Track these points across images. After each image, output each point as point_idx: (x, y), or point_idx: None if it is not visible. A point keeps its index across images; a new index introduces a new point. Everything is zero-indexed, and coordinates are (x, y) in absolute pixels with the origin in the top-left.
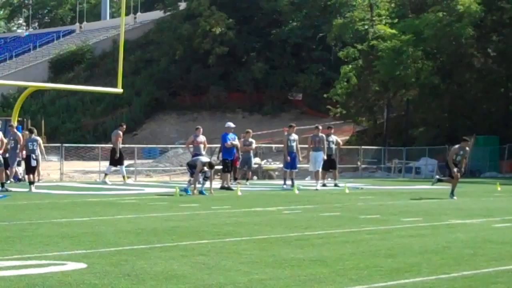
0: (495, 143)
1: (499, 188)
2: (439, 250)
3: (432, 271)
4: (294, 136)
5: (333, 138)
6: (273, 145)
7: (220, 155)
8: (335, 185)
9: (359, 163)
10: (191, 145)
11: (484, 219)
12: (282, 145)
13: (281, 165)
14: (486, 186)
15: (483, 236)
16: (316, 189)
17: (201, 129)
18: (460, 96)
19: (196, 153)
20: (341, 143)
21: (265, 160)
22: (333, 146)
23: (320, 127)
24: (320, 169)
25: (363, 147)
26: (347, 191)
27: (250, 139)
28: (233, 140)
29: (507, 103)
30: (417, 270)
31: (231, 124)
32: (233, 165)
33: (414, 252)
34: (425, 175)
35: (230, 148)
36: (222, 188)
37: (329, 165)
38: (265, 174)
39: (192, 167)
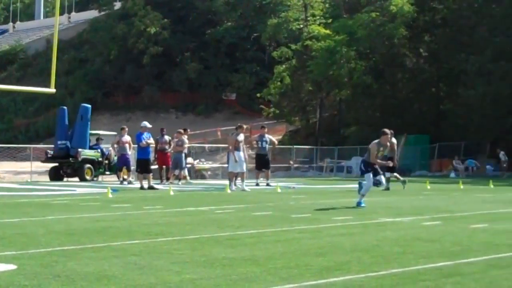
0: (426, 142)
1: (428, 187)
2: (369, 248)
3: (361, 269)
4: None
5: (267, 137)
6: (206, 145)
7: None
8: (267, 184)
9: (291, 162)
10: (116, 145)
11: (414, 217)
12: (214, 145)
13: (214, 165)
14: (416, 184)
15: (412, 234)
16: (243, 190)
17: (127, 129)
18: (392, 96)
19: (122, 153)
20: (276, 142)
21: (197, 160)
22: (267, 146)
23: (244, 127)
24: (245, 170)
25: (295, 146)
26: (279, 190)
27: (184, 139)
28: (148, 139)
29: (438, 102)
30: (347, 269)
31: (147, 124)
32: (148, 164)
33: (344, 250)
34: (356, 174)
35: (145, 147)
36: (149, 188)
37: (263, 165)
38: (197, 174)
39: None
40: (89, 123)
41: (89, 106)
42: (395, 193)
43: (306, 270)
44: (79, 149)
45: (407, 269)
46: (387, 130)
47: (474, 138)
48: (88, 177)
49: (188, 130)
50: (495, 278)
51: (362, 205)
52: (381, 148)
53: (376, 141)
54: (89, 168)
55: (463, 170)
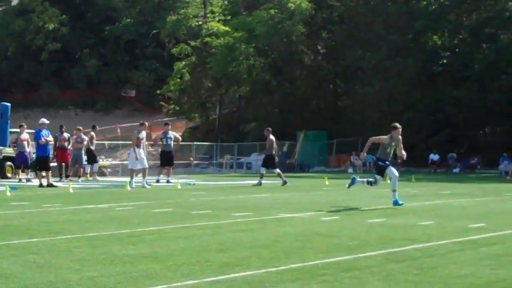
0: (324, 139)
1: (327, 182)
2: (269, 244)
3: (261, 265)
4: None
5: (171, 134)
6: (106, 142)
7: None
8: (168, 181)
9: (191, 159)
10: (15, 143)
11: (313, 212)
12: (114, 142)
13: (114, 162)
14: (315, 180)
15: (312, 229)
16: (144, 186)
17: (25, 127)
18: (291, 92)
19: (21, 151)
20: (180, 138)
21: (97, 157)
22: (171, 143)
23: (146, 124)
24: (147, 166)
25: (195, 143)
26: (179, 187)
27: (83, 136)
28: (47, 136)
29: (336, 99)
30: (247, 264)
31: (45, 121)
32: (47, 161)
33: (244, 246)
34: (256, 170)
35: (44, 144)
36: (48, 185)
37: (167, 162)
38: (97, 171)
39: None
40: (9, 121)
41: (9, 104)
42: (295, 189)
43: (207, 266)
44: (0, 147)
45: (306, 264)
46: (397, 124)
47: (371, 134)
48: (9, 175)
49: (97, 127)
50: (391, 271)
51: (400, 202)
52: (393, 143)
53: (387, 135)
54: (9, 165)
55: (360, 165)
